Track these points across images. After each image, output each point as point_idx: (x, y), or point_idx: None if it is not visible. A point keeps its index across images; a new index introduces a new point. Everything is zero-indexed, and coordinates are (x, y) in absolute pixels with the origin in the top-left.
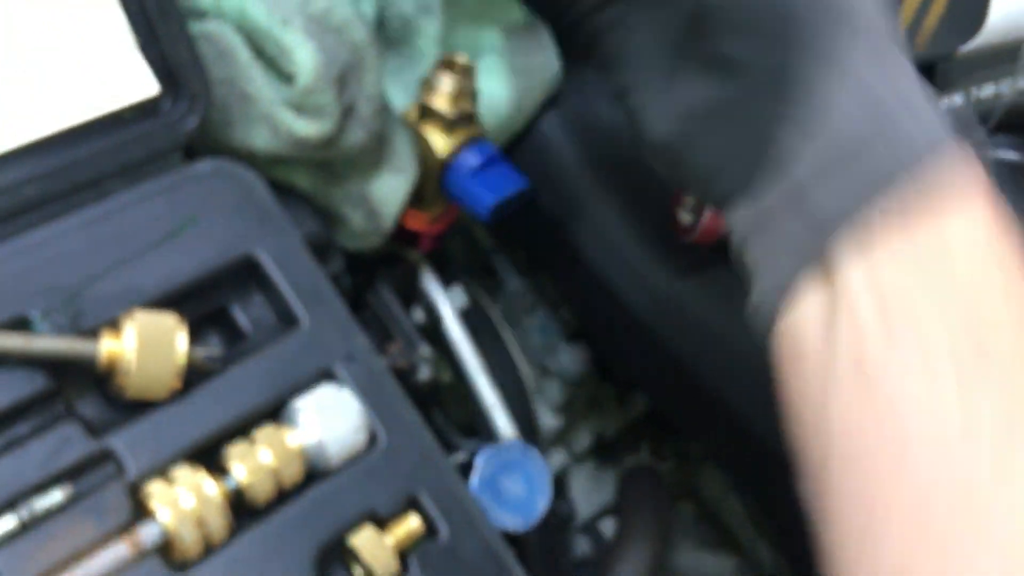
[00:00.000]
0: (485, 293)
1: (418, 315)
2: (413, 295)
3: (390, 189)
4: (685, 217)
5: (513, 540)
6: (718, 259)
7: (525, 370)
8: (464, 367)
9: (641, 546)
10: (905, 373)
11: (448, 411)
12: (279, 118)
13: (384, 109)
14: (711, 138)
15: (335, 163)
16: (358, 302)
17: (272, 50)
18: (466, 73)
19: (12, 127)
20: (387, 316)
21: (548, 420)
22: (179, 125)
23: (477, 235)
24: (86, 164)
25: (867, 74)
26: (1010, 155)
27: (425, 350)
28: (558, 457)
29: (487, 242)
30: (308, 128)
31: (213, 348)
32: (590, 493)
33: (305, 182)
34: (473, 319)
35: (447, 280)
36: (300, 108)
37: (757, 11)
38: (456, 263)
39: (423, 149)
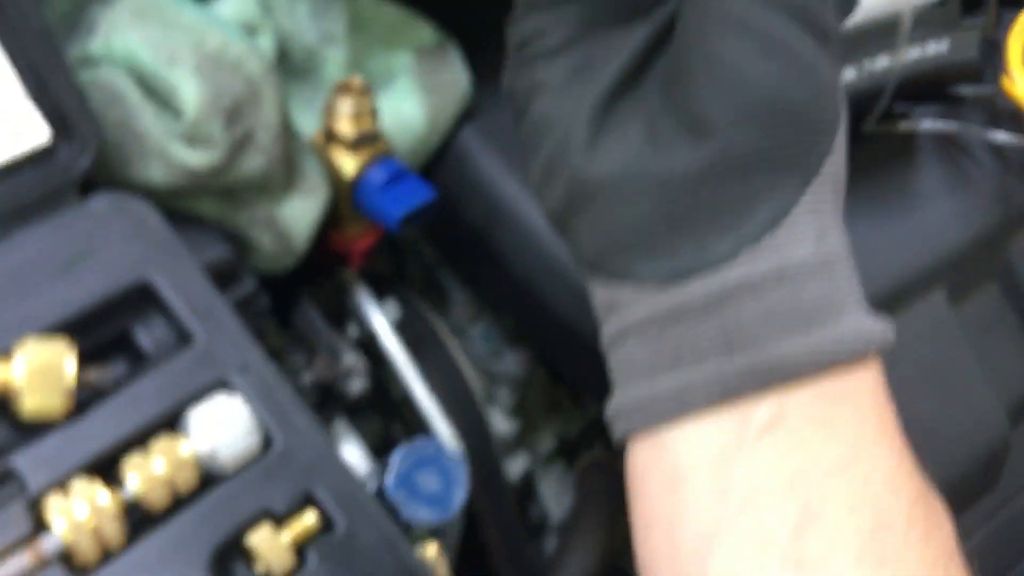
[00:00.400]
0: (432, 307)
1: (352, 330)
2: (346, 311)
3: (300, 212)
4: None
5: (479, 544)
6: None
7: (471, 377)
8: (402, 378)
9: (591, 533)
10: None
11: (407, 423)
12: (170, 151)
13: (287, 136)
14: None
15: (238, 190)
16: (287, 321)
17: (161, 89)
18: (363, 93)
19: None
20: (310, 332)
21: (502, 425)
22: (72, 168)
23: (424, 251)
24: None
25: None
26: (937, 125)
27: (351, 361)
28: (521, 461)
29: (433, 257)
30: (198, 158)
31: (106, 369)
32: (560, 495)
33: (210, 210)
34: (415, 332)
35: (384, 295)
36: (190, 140)
37: (755, 108)
38: (393, 278)
39: (332, 172)
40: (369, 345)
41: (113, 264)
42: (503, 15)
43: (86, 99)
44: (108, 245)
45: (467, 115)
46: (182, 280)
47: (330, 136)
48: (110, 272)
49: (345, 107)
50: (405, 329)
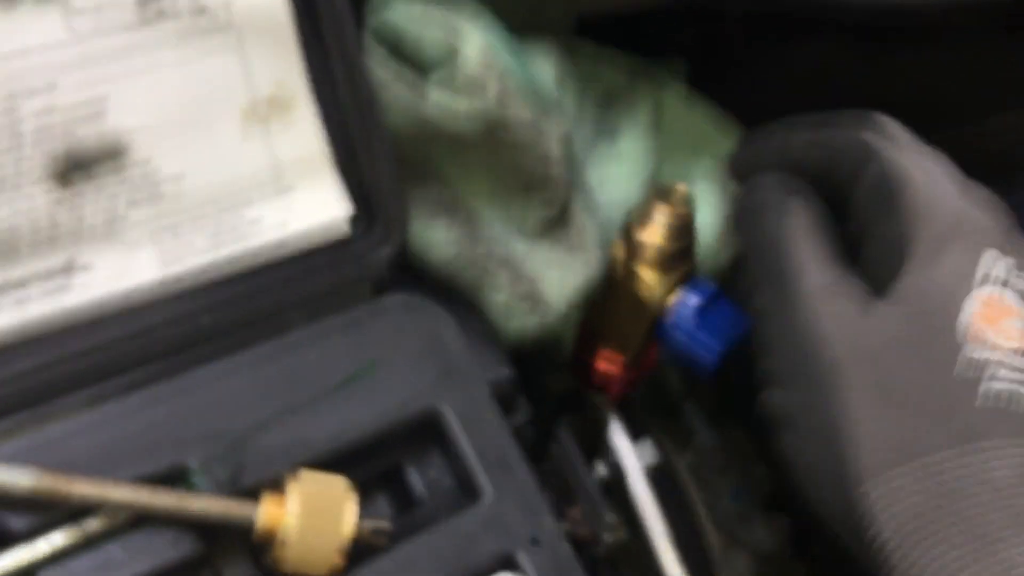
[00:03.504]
0: (672, 443)
1: (601, 470)
2: (597, 447)
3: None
4: None
5: None
6: None
7: (711, 539)
8: (647, 531)
9: None
10: None
11: (619, 569)
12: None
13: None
14: None
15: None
16: (539, 452)
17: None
18: (685, 204)
19: (192, 246)
20: (570, 474)
21: None
22: (371, 256)
23: (667, 378)
24: (265, 294)
25: None
26: None
27: (610, 518)
28: None
29: (678, 387)
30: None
31: (382, 521)
32: None
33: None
34: (659, 476)
35: (635, 430)
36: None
37: None
38: (644, 411)
39: (634, 288)
40: (609, 487)
41: (400, 383)
42: None
43: (399, 180)
44: (396, 358)
45: None
46: (474, 414)
47: (634, 248)
48: (396, 393)
49: (661, 217)
50: (655, 476)
